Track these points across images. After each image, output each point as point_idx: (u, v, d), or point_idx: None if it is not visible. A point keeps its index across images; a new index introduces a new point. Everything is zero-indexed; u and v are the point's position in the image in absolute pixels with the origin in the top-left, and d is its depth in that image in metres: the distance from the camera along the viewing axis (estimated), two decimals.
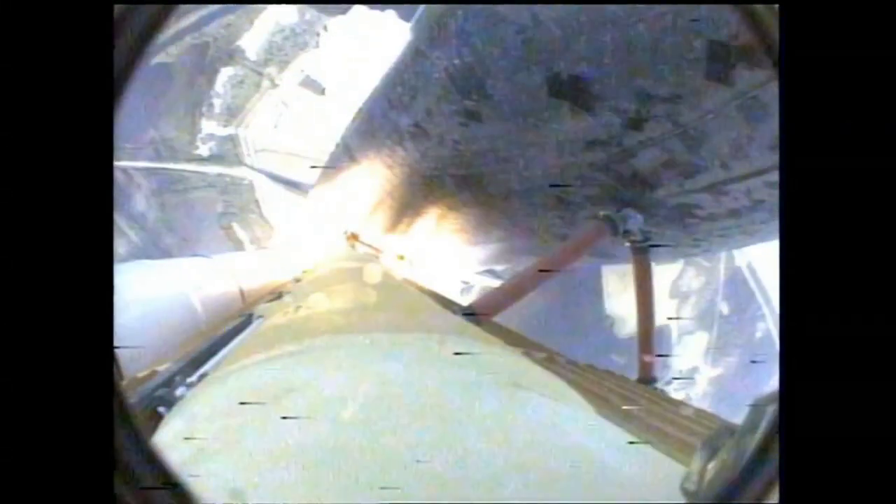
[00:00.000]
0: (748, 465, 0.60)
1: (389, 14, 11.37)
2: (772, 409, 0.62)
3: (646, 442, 1.24)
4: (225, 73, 11.56)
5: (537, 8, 3.52)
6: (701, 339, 15.85)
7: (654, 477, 0.89)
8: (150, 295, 3.99)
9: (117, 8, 0.57)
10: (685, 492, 0.67)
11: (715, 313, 15.66)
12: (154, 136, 11.56)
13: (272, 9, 11.28)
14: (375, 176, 7.10)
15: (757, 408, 0.64)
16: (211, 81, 11.58)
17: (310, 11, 11.47)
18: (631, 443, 1.14)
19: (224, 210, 12.18)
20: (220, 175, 11.78)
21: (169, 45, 11.11)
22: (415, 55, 4.79)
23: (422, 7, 4.88)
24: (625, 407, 2.25)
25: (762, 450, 0.60)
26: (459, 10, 4.00)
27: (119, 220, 11.60)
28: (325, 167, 9.27)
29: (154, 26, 0.59)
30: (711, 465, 0.64)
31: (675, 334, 15.81)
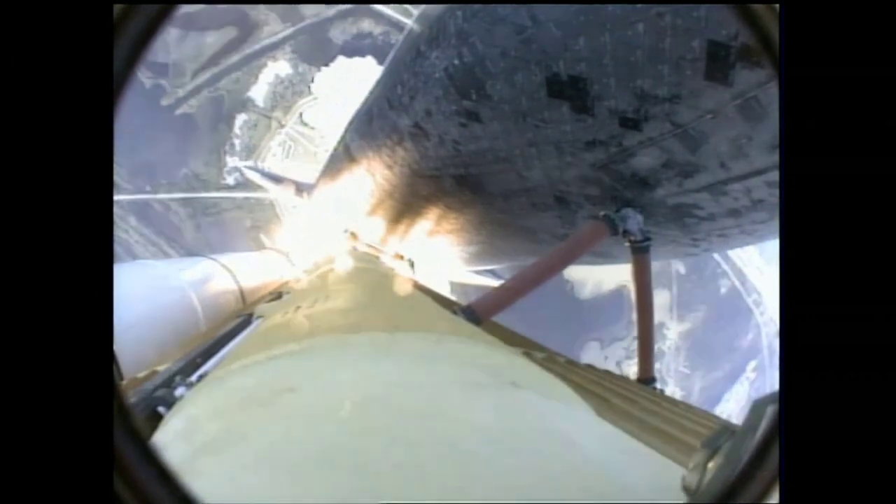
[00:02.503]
0: (748, 465, 0.60)
1: (368, 60, 13.95)
2: (772, 409, 0.62)
3: (645, 442, 1.24)
4: (240, 119, 14.50)
5: (537, 8, 3.52)
6: (662, 297, 16.53)
7: (654, 477, 0.89)
8: (150, 295, 4.00)
9: (117, 8, 0.57)
10: (685, 492, 0.67)
11: (671, 273, 16.19)
12: (187, 173, 14.35)
13: (271, 65, 14.20)
14: (375, 176, 7.10)
15: (757, 408, 0.64)
16: (230, 126, 14.47)
17: (301, 65, 14.36)
18: (630, 443, 1.14)
19: (252, 225, 14.82)
20: (246, 198, 14.59)
21: (190, 99, 14.04)
22: (415, 55, 4.79)
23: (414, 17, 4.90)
24: (624, 407, 2.25)
25: (762, 450, 0.60)
26: (459, 10, 4.00)
27: (160, 242, 14.36)
28: (325, 167, 9.30)
29: (154, 26, 0.59)
30: (711, 465, 0.64)
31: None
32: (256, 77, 14.40)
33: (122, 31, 0.57)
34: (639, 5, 3.11)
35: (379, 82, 6.07)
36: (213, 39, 14.14)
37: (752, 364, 17.25)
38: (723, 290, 16.81)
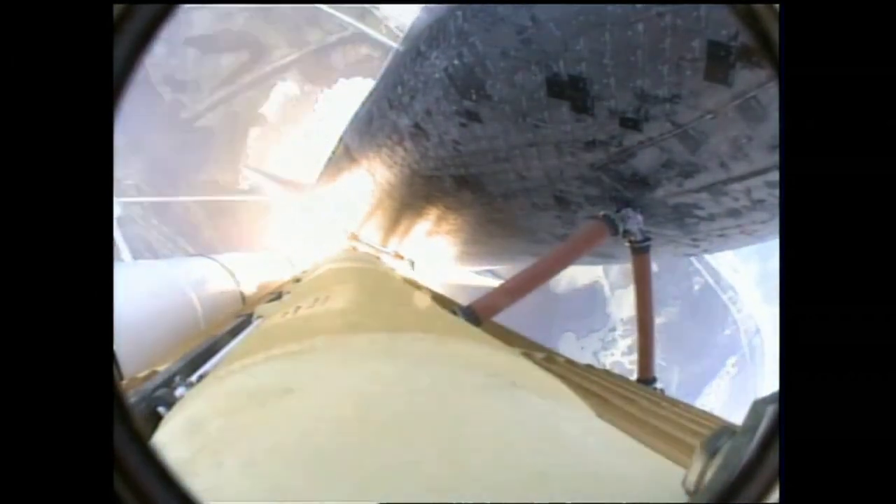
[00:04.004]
0: (748, 465, 0.60)
1: (368, 81, 15.25)
2: (772, 409, 0.62)
3: (645, 442, 1.24)
4: (253, 132, 16.55)
5: (537, 8, 3.52)
6: (633, 292, 17.15)
7: (654, 477, 0.89)
8: (150, 295, 3.99)
9: (117, 8, 0.57)
10: (685, 492, 0.67)
11: None
12: (205, 179, 16.32)
13: (281, 84, 16.26)
14: (375, 176, 7.10)
15: (757, 408, 0.64)
16: (244, 138, 16.51)
17: (307, 85, 16.32)
18: (630, 443, 1.14)
19: (263, 225, 16.41)
20: (258, 201, 16.37)
21: (208, 114, 16.17)
22: (415, 55, 4.79)
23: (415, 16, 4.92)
24: (624, 407, 2.25)
25: (762, 450, 0.60)
26: (459, 10, 4.00)
27: (178, 240, 16.01)
28: (325, 168, 9.31)
29: (154, 26, 0.59)
30: (711, 465, 0.64)
31: (606, 289, 17.79)
32: (268, 96, 16.62)
33: (122, 31, 0.57)
34: (639, 5, 3.11)
35: (379, 82, 6.08)
36: (228, 61, 16.26)
37: (732, 360, 17.93)
38: (696, 287, 17.56)
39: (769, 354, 18.11)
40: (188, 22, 15.17)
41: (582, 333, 17.55)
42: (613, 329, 17.83)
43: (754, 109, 3.20)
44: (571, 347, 16.58)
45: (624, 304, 17.65)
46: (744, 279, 17.61)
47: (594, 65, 3.53)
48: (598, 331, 17.73)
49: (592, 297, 17.37)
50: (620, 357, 17.85)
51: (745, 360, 17.93)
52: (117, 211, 15.86)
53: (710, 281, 17.58)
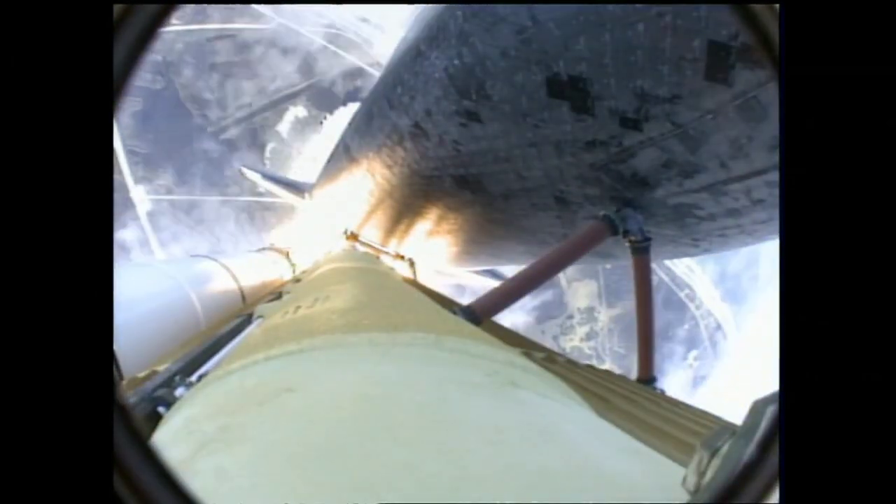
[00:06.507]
0: (748, 465, 0.60)
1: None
2: (772, 409, 0.62)
3: (645, 442, 1.24)
4: (269, 147, 20.54)
5: (537, 8, 3.52)
6: (590, 286, 20.26)
7: (654, 477, 0.89)
8: (150, 295, 3.99)
9: (117, 8, 0.57)
10: (686, 491, 0.67)
11: (597, 267, 18.83)
12: (227, 182, 19.95)
13: (292, 108, 20.36)
14: (375, 176, 7.10)
15: (757, 408, 0.64)
16: (262, 151, 20.66)
17: (314, 110, 20.47)
18: (631, 443, 1.14)
19: (276, 222, 19.84)
20: (273, 202, 19.42)
21: (231, 129, 20.27)
22: (415, 55, 4.79)
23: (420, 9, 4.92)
24: (625, 407, 2.25)
25: (762, 450, 0.60)
26: (459, 10, 4.00)
27: (203, 231, 19.70)
28: (326, 168, 9.31)
29: (154, 26, 0.59)
30: (711, 465, 0.64)
31: (563, 282, 19.54)
32: (281, 116, 20.25)
33: (122, 31, 0.57)
34: (639, 5, 3.11)
35: (379, 82, 6.07)
36: (249, 85, 19.89)
37: (694, 353, 19.90)
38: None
39: (732, 349, 19.11)
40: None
41: (542, 319, 19.77)
42: (571, 317, 19.91)
43: (754, 109, 3.20)
44: (533, 332, 17.74)
45: (580, 295, 19.95)
46: (699, 278, 19.24)
47: (594, 65, 3.53)
48: (556, 318, 19.81)
49: (550, 283, 18.49)
50: (580, 342, 19.93)
51: (707, 353, 19.51)
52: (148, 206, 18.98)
53: (665, 279, 19.13)
